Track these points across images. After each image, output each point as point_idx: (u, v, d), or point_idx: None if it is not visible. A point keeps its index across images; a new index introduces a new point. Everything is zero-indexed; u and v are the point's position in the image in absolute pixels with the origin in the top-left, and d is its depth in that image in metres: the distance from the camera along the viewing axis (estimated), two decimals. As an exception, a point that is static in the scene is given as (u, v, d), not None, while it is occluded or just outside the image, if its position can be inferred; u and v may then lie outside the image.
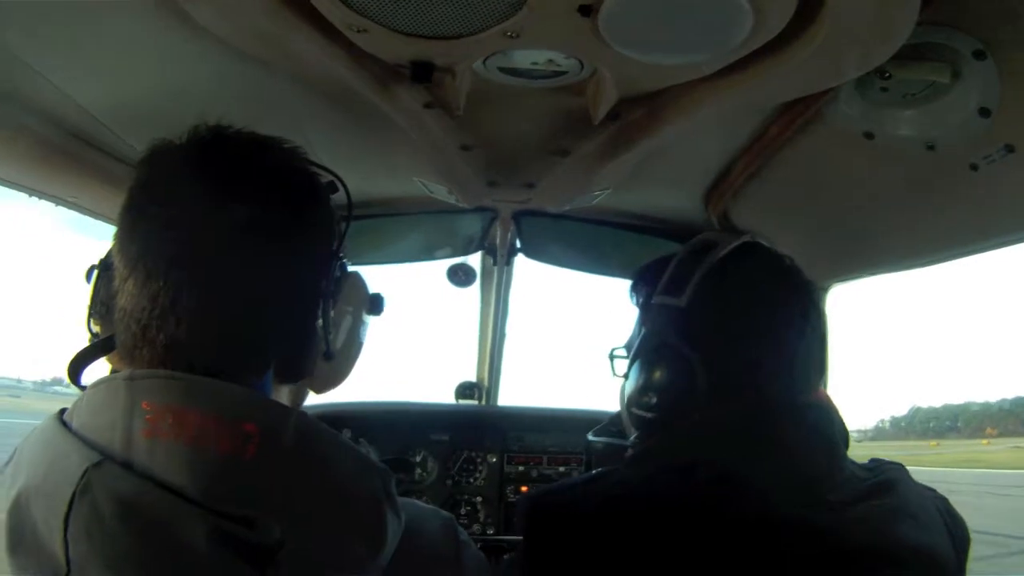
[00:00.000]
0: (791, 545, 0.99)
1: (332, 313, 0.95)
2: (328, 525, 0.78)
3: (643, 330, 1.25)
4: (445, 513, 1.00)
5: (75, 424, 0.79)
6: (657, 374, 1.19)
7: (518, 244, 2.75)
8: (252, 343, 0.87)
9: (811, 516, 1.01)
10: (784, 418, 1.11)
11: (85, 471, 0.72)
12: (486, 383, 3.40)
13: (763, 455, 1.07)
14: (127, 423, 0.76)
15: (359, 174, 2.14)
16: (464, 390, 3.38)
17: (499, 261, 2.86)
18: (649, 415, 1.20)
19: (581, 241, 2.71)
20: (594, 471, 1.28)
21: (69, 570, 0.70)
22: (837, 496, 1.06)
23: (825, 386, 1.38)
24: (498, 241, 2.73)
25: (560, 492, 1.20)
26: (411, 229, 2.72)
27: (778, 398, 1.13)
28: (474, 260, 2.96)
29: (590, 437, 1.55)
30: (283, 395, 0.98)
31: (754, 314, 1.16)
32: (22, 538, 0.73)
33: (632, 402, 1.22)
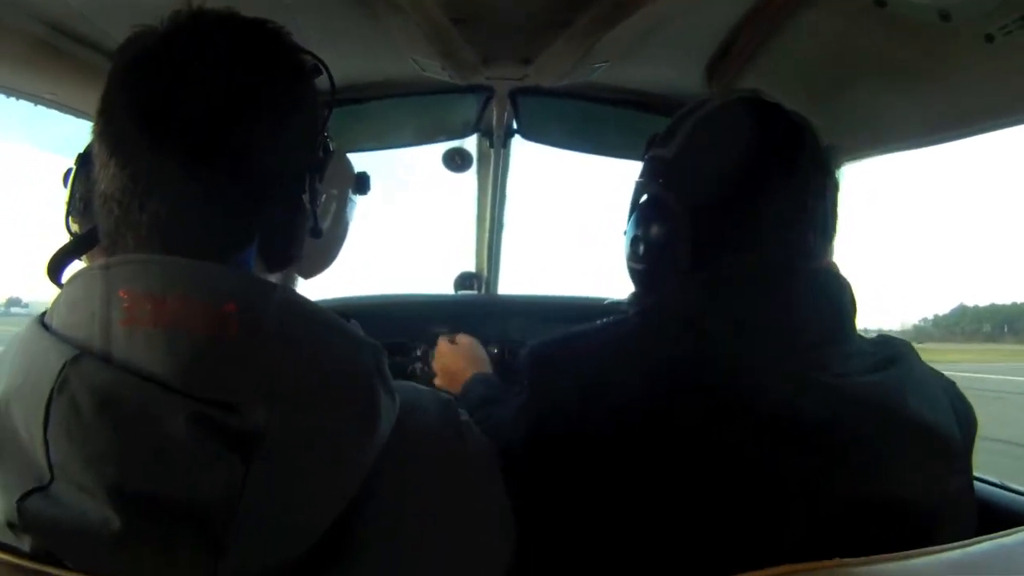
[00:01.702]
0: (785, 415, 0.98)
1: (319, 190, 0.93)
2: (317, 406, 0.74)
3: (635, 185, 1.24)
4: (444, 395, 0.97)
5: (55, 323, 0.76)
6: (643, 226, 1.19)
7: (515, 126, 2.69)
8: (236, 217, 0.84)
9: (812, 385, 1.00)
10: (789, 276, 1.09)
11: (63, 367, 0.69)
12: (485, 273, 3.37)
13: (770, 312, 1.05)
14: (105, 314, 0.72)
15: (350, 54, 2.10)
16: (463, 280, 3.31)
17: (495, 143, 2.80)
18: (639, 267, 1.20)
19: (580, 121, 2.66)
20: (599, 321, 1.24)
21: (52, 476, 0.68)
22: (843, 366, 1.04)
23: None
24: (494, 122, 2.67)
25: (565, 342, 1.19)
26: (404, 112, 2.67)
27: (783, 256, 1.11)
28: (471, 145, 2.90)
29: None
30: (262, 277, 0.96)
31: (748, 167, 1.11)
32: (3, 448, 0.70)
33: (626, 256, 1.23)
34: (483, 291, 3.35)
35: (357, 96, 2.42)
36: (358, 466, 0.76)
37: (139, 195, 0.79)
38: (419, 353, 2.83)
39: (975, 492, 1.13)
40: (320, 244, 0.96)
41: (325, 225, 0.95)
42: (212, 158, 0.81)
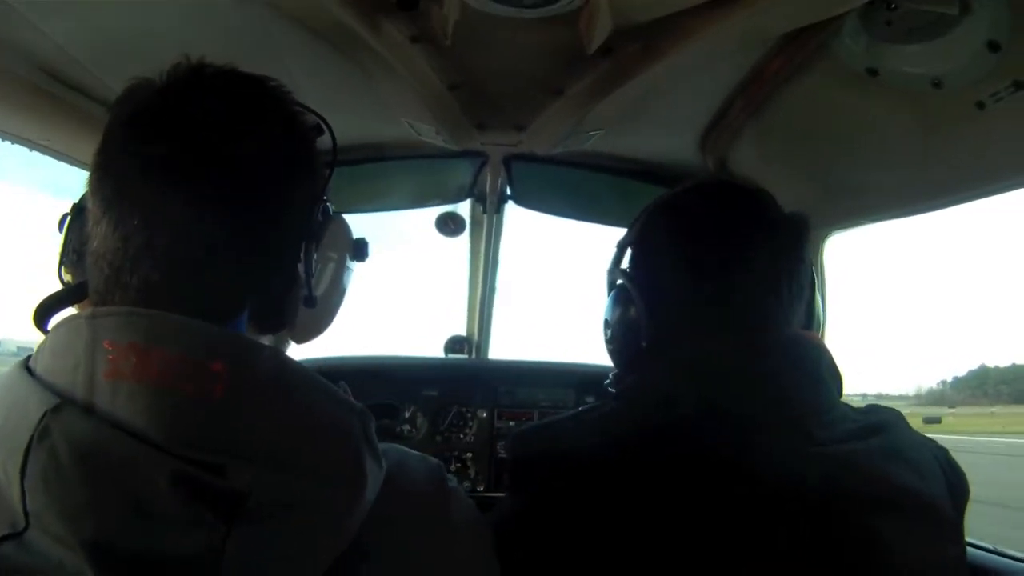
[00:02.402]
0: (769, 485, 0.98)
1: (315, 257, 0.92)
2: (301, 469, 0.73)
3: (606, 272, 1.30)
4: (433, 459, 0.96)
5: (38, 369, 0.76)
6: (612, 310, 1.25)
7: (508, 191, 2.71)
8: (229, 284, 0.83)
9: (793, 454, 1.00)
10: (759, 351, 1.10)
11: (43, 415, 0.69)
12: (476, 337, 3.37)
13: (742, 390, 1.05)
14: (89, 364, 0.72)
15: (345, 115, 2.10)
16: (454, 344, 3.35)
17: (489, 209, 2.82)
18: (612, 347, 1.27)
19: (573, 188, 2.67)
20: (580, 407, 1.29)
21: (28, 523, 0.66)
22: (825, 434, 1.04)
23: (822, 335, 1.36)
24: (488, 188, 2.69)
25: (545, 429, 1.20)
26: (399, 175, 2.68)
27: (751, 330, 1.12)
28: (464, 209, 2.92)
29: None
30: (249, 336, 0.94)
31: (705, 248, 1.16)
32: None
33: (603, 337, 1.30)
34: (473, 355, 3.35)
35: (352, 158, 2.43)
36: (343, 530, 0.75)
37: (130, 259, 0.78)
38: (408, 415, 2.81)
39: (968, 558, 1.11)
40: (314, 311, 0.94)
41: (320, 292, 0.94)
42: (207, 223, 0.80)
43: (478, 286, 3.27)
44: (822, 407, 1.08)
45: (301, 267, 0.90)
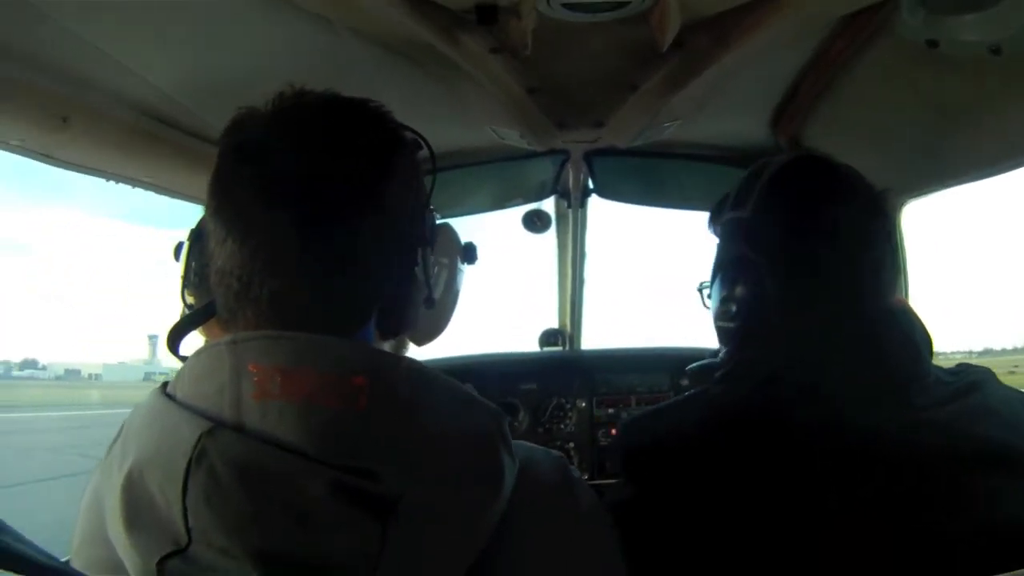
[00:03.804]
0: (872, 453, 1.01)
1: (431, 262, 0.97)
2: (446, 471, 0.77)
3: (718, 247, 1.31)
4: (555, 452, 0.99)
5: (179, 395, 0.80)
6: (730, 285, 1.25)
7: (591, 185, 2.76)
8: (355, 294, 0.87)
9: (895, 420, 1.03)
10: (865, 321, 1.13)
11: (199, 438, 0.73)
12: (569, 329, 3.42)
13: (846, 361, 1.09)
14: (235, 387, 0.76)
15: (432, 127, 2.16)
16: (548, 337, 3.41)
17: (573, 204, 2.88)
18: (730, 325, 1.26)
19: (653, 177, 2.72)
20: (686, 393, 1.30)
21: (190, 540, 0.71)
22: (923, 399, 1.07)
23: (906, 295, 1.38)
24: (571, 184, 2.74)
25: (654, 417, 1.24)
26: (484, 179, 2.75)
27: (856, 302, 1.15)
28: (548, 206, 2.97)
29: (688, 368, 1.58)
30: (384, 349, 0.97)
31: (818, 219, 1.18)
32: (139, 513, 0.74)
33: (715, 316, 1.29)
34: (568, 347, 3.41)
35: (439, 166, 2.48)
36: (486, 524, 0.79)
37: (258, 272, 0.83)
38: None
39: None
40: (433, 313, 0.99)
41: (438, 295, 0.99)
42: (330, 235, 0.84)
43: (567, 279, 3.32)
44: (920, 373, 1.10)
45: (420, 272, 0.94)
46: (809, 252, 1.17)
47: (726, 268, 1.27)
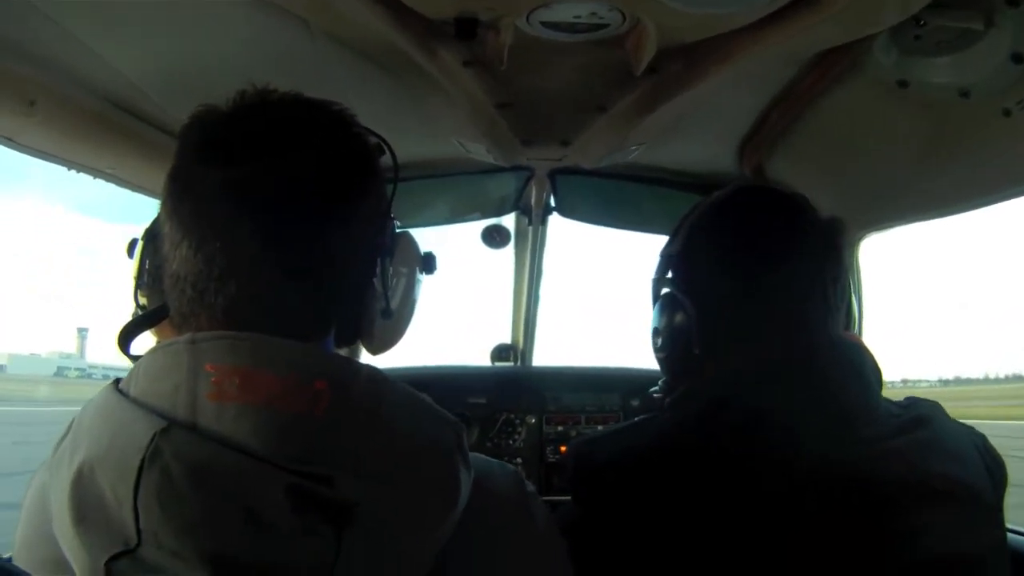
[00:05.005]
0: (820, 482, 1.02)
1: (390, 272, 0.96)
2: (403, 480, 0.77)
3: (652, 280, 1.33)
4: (509, 466, 1.00)
5: (133, 392, 0.79)
6: (660, 319, 1.28)
7: (552, 203, 2.76)
8: (313, 304, 0.87)
9: (842, 452, 1.04)
10: (811, 353, 1.14)
11: (153, 437, 0.72)
12: (521, 345, 3.42)
13: (794, 392, 1.09)
14: (191, 386, 0.75)
15: (398, 135, 2.14)
16: (500, 352, 3.42)
17: (534, 221, 2.88)
18: (662, 355, 1.29)
19: (616, 198, 2.72)
20: (636, 419, 1.30)
21: (140, 540, 0.70)
22: (871, 431, 1.08)
23: (860, 326, 1.40)
24: (533, 200, 2.75)
25: (607, 439, 1.24)
26: (446, 191, 2.74)
27: (802, 334, 1.16)
28: (508, 221, 2.98)
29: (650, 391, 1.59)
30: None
31: (750, 254, 1.19)
32: (88, 511, 0.72)
33: (652, 346, 1.32)
34: (520, 363, 3.41)
35: (403, 175, 2.46)
36: (441, 534, 0.80)
37: (214, 279, 0.82)
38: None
39: (1009, 544, 1.15)
40: (390, 323, 0.98)
41: (395, 306, 0.98)
42: (290, 244, 0.83)
43: (523, 295, 3.32)
44: (868, 406, 1.11)
45: (378, 281, 0.94)
46: (744, 285, 1.18)
47: (658, 302, 1.30)
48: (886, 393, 1.16)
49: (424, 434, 0.82)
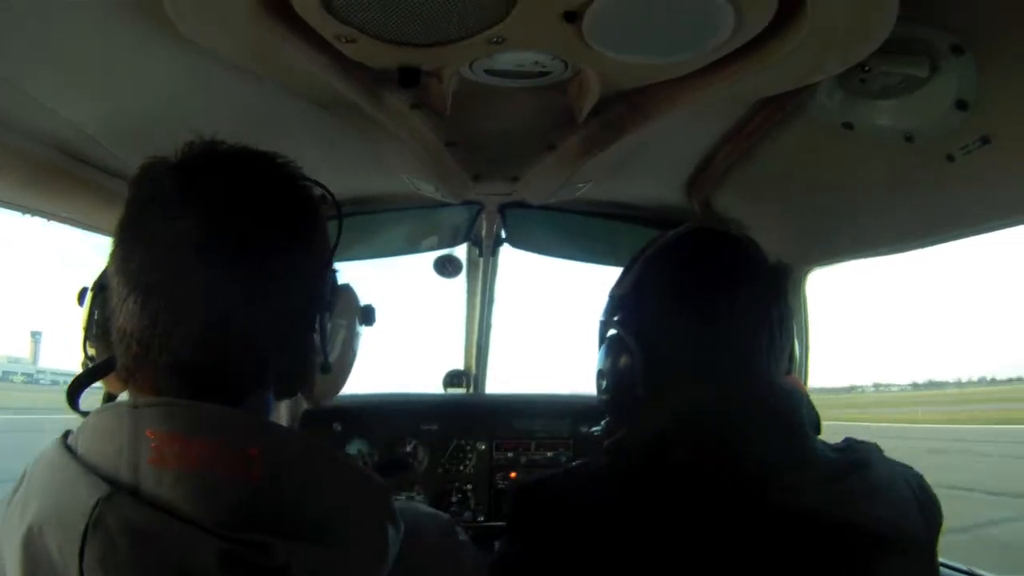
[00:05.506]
0: (756, 527, 1.02)
1: (328, 326, 0.96)
2: (333, 544, 0.78)
3: (599, 321, 1.32)
4: (444, 515, 1.00)
5: (80, 449, 0.79)
6: (604, 360, 1.26)
7: (503, 235, 2.78)
8: (256, 361, 0.87)
9: (783, 497, 1.04)
10: (742, 401, 1.13)
11: (96, 503, 0.72)
12: (473, 371, 3.43)
13: (728, 437, 1.09)
14: (133, 451, 0.76)
15: (348, 174, 2.18)
16: (452, 379, 3.41)
17: (485, 252, 2.90)
18: (605, 398, 1.27)
19: (566, 230, 2.75)
20: (576, 462, 1.32)
21: None
22: (808, 476, 1.08)
23: (800, 372, 1.41)
24: (484, 232, 2.76)
25: (544, 484, 1.24)
26: (398, 223, 2.74)
27: (740, 377, 1.16)
28: (460, 251, 2.98)
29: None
30: (281, 407, 0.98)
31: (693, 297, 1.19)
32: (37, 570, 0.73)
33: (596, 388, 1.30)
34: (472, 389, 3.41)
35: (355, 211, 2.49)
36: None
37: (159, 335, 0.81)
38: (410, 449, 2.86)
39: None
40: (329, 376, 0.97)
41: (334, 358, 0.97)
42: (232, 298, 0.83)
43: (475, 323, 3.33)
44: (798, 453, 1.11)
45: (316, 337, 0.93)
46: (693, 327, 1.18)
47: (603, 344, 1.29)
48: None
49: (354, 500, 0.83)
